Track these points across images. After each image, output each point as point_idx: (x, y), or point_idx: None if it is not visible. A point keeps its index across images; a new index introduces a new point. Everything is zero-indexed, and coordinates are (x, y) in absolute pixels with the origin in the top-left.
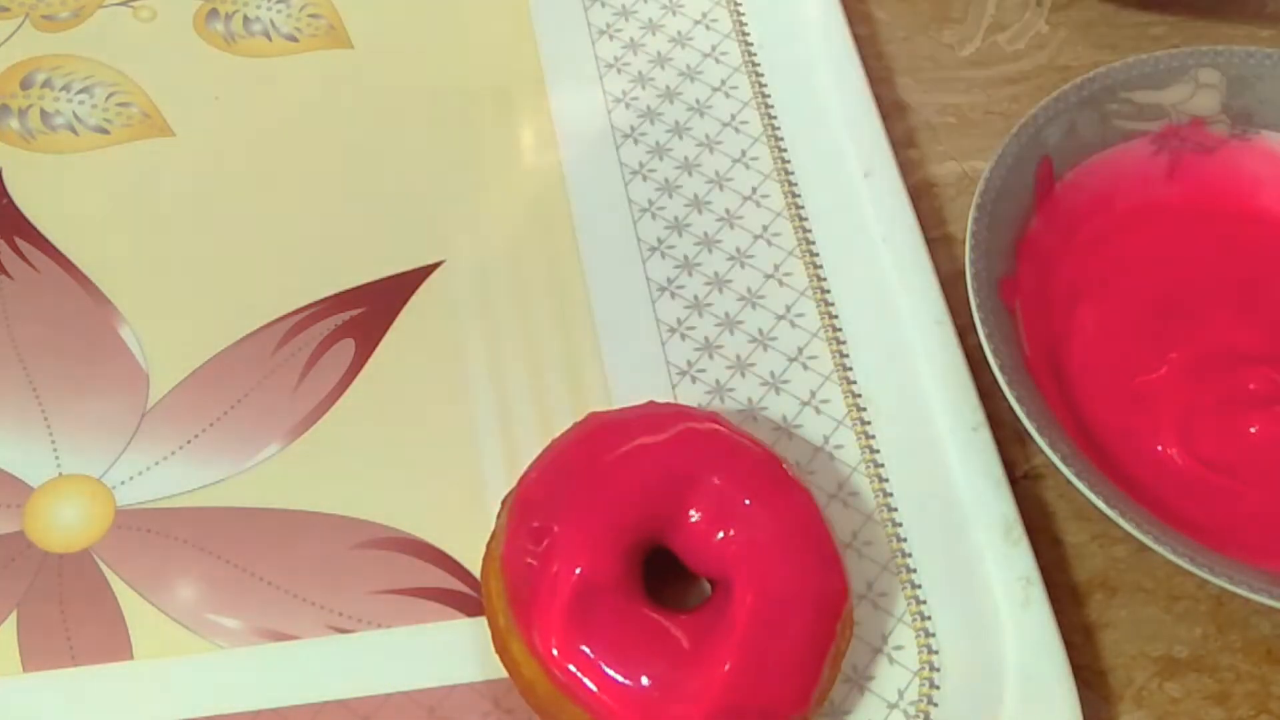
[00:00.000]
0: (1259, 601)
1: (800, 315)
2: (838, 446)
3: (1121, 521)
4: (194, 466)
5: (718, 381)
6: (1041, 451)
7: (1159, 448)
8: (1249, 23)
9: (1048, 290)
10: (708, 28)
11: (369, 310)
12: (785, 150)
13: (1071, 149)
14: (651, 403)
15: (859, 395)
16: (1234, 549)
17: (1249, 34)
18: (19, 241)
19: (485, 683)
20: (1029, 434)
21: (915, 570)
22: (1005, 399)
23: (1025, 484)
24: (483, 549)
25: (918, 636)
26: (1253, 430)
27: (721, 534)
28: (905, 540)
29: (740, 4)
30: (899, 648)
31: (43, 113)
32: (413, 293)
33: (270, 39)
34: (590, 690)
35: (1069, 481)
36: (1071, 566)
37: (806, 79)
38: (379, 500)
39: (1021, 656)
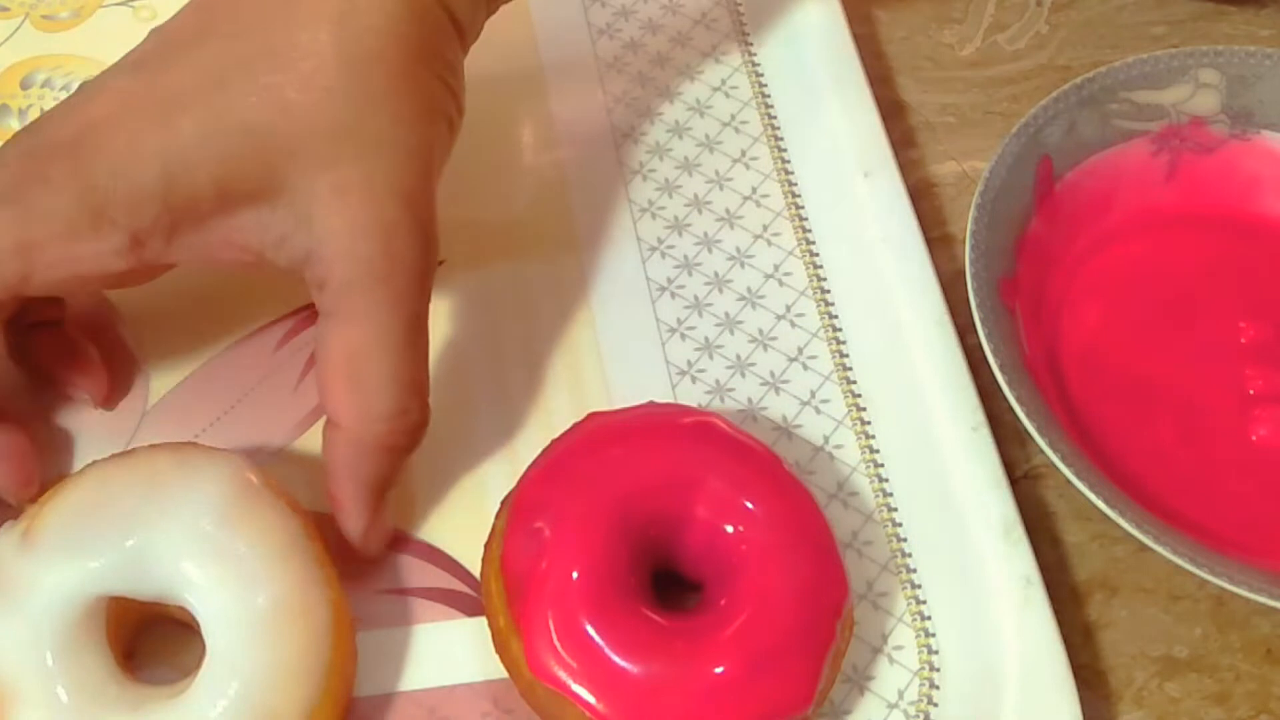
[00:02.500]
0: (1259, 601)
1: (800, 315)
2: (838, 446)
3: (1121, 521)
4: None
5: (718, 381)
6: (1041, 451)
7: (1159, 448)
8: (1249, 23)
9: (1048, 290)
10: (708, 28)
11: None
12: (785, 150)
13: (1071, 149)
14: (651, 403)
15: (859, 395)
16: (1234, 549)
17: (1249, 34)
18: None
19: (485, 683)
20: (1029, 434)
21: (915, 570)
22: (1005, 399)
23: (1025, 484)
24: (482, 549)
25: (918, 636)
26: (1253, 430)
27: (721, 534)
28: (905, 540)
29: (740, 4)
30: (899, 648)
31: (43, 113)
32: None
33: None
34: (589, 690)
35: (1069, 481)
36: (1071, 566)
37: (806, 79)
38: None
39: (1021, 656)
